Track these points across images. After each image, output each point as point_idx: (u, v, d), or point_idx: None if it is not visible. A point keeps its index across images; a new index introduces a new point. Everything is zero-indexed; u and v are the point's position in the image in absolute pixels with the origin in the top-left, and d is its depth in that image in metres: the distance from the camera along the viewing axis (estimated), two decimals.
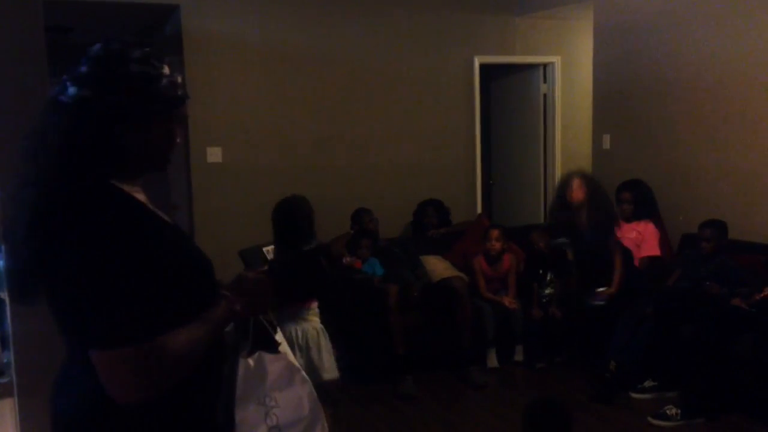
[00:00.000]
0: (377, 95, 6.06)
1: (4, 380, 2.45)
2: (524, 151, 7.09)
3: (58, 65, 1.85)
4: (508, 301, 4.87)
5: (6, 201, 1.38)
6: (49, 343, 1.49)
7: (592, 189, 4.69)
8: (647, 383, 4.22)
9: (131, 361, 1.26)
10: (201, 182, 5.56)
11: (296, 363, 1.86)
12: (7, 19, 2.37)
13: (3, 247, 1.39)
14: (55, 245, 1.29)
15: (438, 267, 5.07)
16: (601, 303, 4.48)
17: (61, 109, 1.35)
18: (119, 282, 1.26)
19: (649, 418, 3.87)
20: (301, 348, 3.19)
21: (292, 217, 3.29)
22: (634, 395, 4.20)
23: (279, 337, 1.81)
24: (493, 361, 4.79)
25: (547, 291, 4.91)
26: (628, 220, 4.95)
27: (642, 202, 5.00)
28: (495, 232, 5.01)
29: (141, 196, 1.44)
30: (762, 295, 3.94)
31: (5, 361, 2.46)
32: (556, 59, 6.70)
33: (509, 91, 7.20)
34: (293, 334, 3.20)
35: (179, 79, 1.46)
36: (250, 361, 1.72)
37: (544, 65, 6.77)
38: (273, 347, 1.74)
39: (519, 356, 4.86)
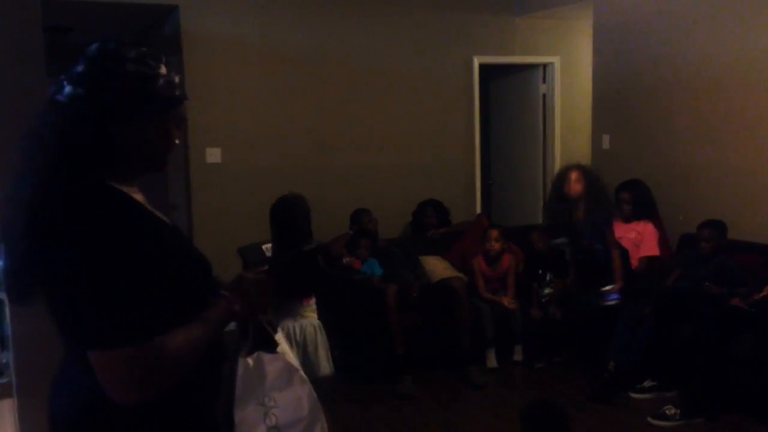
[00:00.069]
0: (376, 95, 6.07)
1: (4, 380, 2.45)
2: (524, 151, 7.09)
3: (57, 65, 1.85)
4: (507, 301, 4.87)
5: (4, 201, 1.38)
6: (48, 344, 1.49)
7: (591, 182, 4.68)
8: (646, 383, 4.22)
9: (130, 361, 1.26)
10: (200, 183, 5.56)
11: (295, 363, 1.86)
12: (6, 19, 2.38)
13: (2, 247, 1.39)
14: (52, 245, 1.28)
15: (437, 267, 5.07)
16: (614, 301, 4.44)
17: (57, 108, 1.35)
18: (118, 282, 1.26)
19: (649, 418, 3.87)
20: (298, 344, 3.21)
21: (289, 215, 3.30)
22: (634, 395, 4.20)
23: (279, 337, 1.81)
24: (492, 361, 4.78)
25: (547, 291, 4.91)
26: (628, 220, 4.95)
27: (641, 202, 4.99)
28: (494, 233, 5.01)
29: (139, 197, 1.44)
30: (761, 295, 3.95)
31: (5, 361, 2.46)
32: (555, 59, 6.70)
33: (509, 91, 7.20)
34: (291, 330, 3.21)
35: (177, 79, 1.45)
36: (249, 361, 1.72)
37: (544, 65, 6.77)
38: (272, 347, 1.74)
39: (518, 356, 4.86)
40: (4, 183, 1.42)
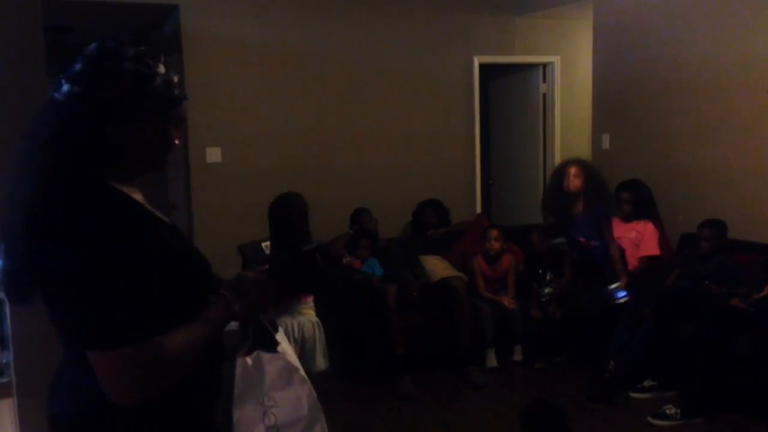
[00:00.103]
0: (377, 95, 6.07)
1: (4, 380, 2.45)
2: (523, 150, 7.09)
3: (57, 65, 1.85)
4: (507, 301, 4.87)
5: (3, 201, 1.38)
6: (48, 344, 1.48)
7: (590, 177, 4.66)
8: (646, 383, 4.22)
9: (130, 361, 1.25)
10: (200, 182, 5.56)
11: (296, 362, 1.86)
12: (6, 19, 2.38)
13: (2, 247, 1.39)
14: (51, 245, 1.28)
15: (437, 267, 5.07)
16: (624, 298, 4.36)
17: (55, 107, 1.35)
18: (117, 282, 1.25)
19: (649, 418, 3.88)
20: (297, 341, 3.23)
21: (287, 213, 3.33)
22: (634, 395, 4.20)
23: (279, 336, 1.81)
24: (492, 361, 4.78)
25: (547, 291, 4.91)
26: (628, 219, 4.95)
27: (641, 201, 4.99)
28: (494, 232, 5.01)
29: (138, 197, 1.43)
30: (761, 294, 3.95)
31: (4, 361, 2.46)
32: (555, 59, 6.70)
33: (509, 91, 7.20)
34: (289, 327, 3.23)
35: (175, 79, 1.44)
36: (248, 361, 1.72)
37: (544, 65, 6.77)
38: (273, 347, 1.74)
39: (518, 356, 4.86)
40: (3, 183, 1.42)
